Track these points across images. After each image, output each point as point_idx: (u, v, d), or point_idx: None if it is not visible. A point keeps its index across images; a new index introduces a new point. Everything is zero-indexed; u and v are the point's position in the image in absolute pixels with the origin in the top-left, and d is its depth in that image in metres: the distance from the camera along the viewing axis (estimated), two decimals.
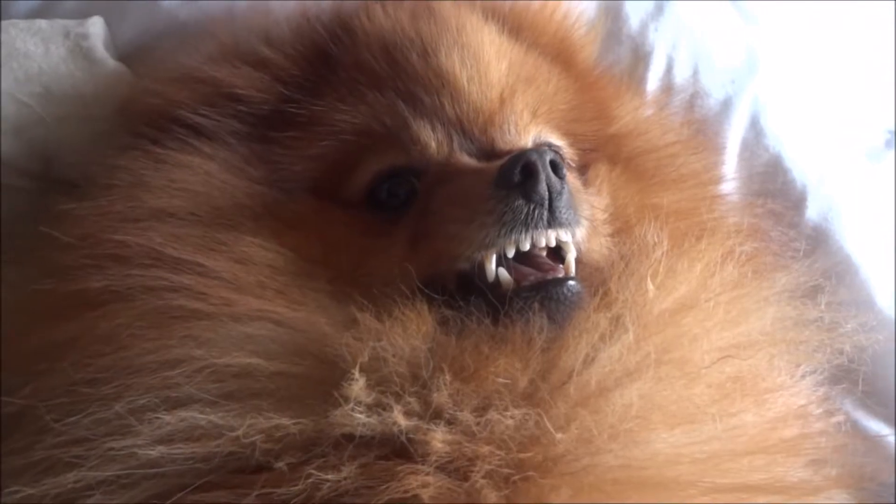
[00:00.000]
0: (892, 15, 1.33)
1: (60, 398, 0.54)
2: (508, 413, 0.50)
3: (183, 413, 0.50)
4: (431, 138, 0.64)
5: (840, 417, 0.75)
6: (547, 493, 0.49)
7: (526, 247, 0.57)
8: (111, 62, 0.75)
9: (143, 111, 0.68)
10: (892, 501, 0.81)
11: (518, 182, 0.57)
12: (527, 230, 0.57)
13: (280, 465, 0.49)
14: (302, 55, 0.71)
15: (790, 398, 0.61)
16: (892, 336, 0.85)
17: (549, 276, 0.57)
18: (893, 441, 0.85)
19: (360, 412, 0.50)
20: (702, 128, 0.89)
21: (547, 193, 0.57)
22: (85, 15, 0.77)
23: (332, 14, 0.75)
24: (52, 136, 0.71)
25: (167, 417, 0.50)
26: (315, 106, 0.67)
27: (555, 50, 0.77)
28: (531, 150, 0.59)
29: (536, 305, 0.55)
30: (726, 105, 0.91)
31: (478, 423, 0.50)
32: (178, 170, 0.64)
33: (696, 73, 0.92)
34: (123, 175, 0.64)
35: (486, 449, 0.49)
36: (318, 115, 0.66)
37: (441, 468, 0.49)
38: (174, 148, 0.65)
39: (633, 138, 0.77)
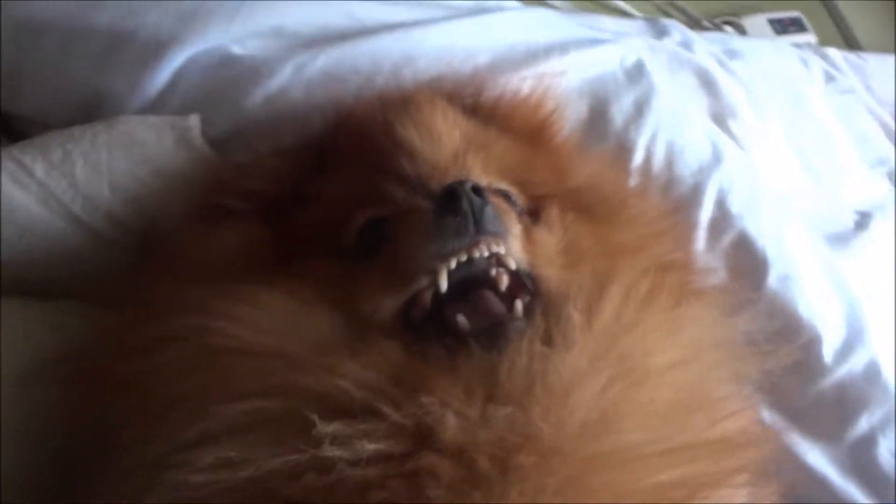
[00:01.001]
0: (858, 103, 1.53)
1: (125, 431, 0.67)
2: (497, 412, 0.62)
3: (217, 448, 0.62)
4: (397, 192, 0.80)
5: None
6: (542, 480, 0.60)
7: (463, 257, 0.71)
8: (207, 149, 0.94)
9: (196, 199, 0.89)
10: None
11: (445, 203, 0.71)
12: (458, 238, 0.71)
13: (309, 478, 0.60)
14: (300, 155, 0.90)
15: (735, 407, 0.74)
16: (838, 386, 1.00)
17: (499, 319, 0.70)
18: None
19: (335, 446, 0.61)
20: (677, 207, 1.08)
21: (470, 208, 0.71)
22: (186, 112, 0.97)
23: (331, 116, 0.95)
24: (159, 205, 0.89)
25: (206, 452, 0.62)
26: (311, 187, 0.85)
27: (525, 129, 0.94)
28: (455, 181, 0.74)
29: (487, 340, 0.67)
30: (696, 189, 1.10)
31: (480, 418, 0.62)
32: (214, 241, 0.82)
33: (669, 163, 1.11)
34: (174, 244, 0.83)
35: (486, 440, 0.61)
36: (314, 193, 0.84)
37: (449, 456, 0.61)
38: (213, 225, 0.84)
39: (587, 192, 0.92)
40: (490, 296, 0.72)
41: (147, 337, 0.72)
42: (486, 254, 0.72)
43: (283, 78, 1.02)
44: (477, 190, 0.72)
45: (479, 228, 0.71)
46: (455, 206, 0.71)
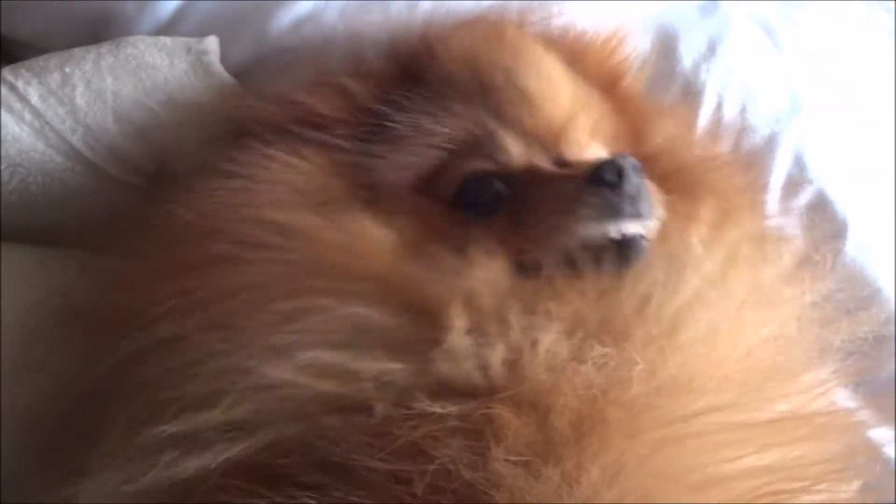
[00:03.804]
0: None
1: (175, 351, 0.58)
2: (593, 351, 0.55)
3: (311, 353, 0.55)
4: (514, 146, 0.72)
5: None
6: (625, 445, 0.52)
7: (617, 236, 0.65)
8: (226, 76, 0.82)
9: (253, 120, 0.76)
10: None
11: (612, 181, 0.65)
12: (616, 220, 0.65)
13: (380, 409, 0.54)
14: (386, 79, 0.79)
15: (822, 383, 0.67)
16: None
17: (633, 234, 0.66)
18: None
19: (460, 349, 0.55)
20: (750, 159, 0.97)
21: (634, 190, 0.65)
22: (202, 36, 0.86)
23: (416, 38, 0.83)
24: (171, 139, 0.79)
25: (301, 355, 0.55)
26: (402, 120, 0.74)
27: (601, 79, 0.85)
28: (619, 155, 0.68)
29: (614, 251, 0.64)
30: (771, 141, 0.98)
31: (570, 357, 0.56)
32: (283, 168, 0.71)
33: (743, 111, 0.98)
34: (240, 167, 0.71)
35: (571, 383, 0.54)
36: (408, 127, 0.74)
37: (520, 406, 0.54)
38: (281, 150, 0.72)
39: (664, 158, 0.83)
40: None
41: (208, 257, 0.63)
42: (639, 236, 0.67)
43: None
44: (636, 169, 0.66)
45: (634, 210, 0.66)
46: (622, 186, 0.65)
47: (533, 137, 0.73)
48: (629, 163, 0.66)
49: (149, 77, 0.79)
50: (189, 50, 0.81)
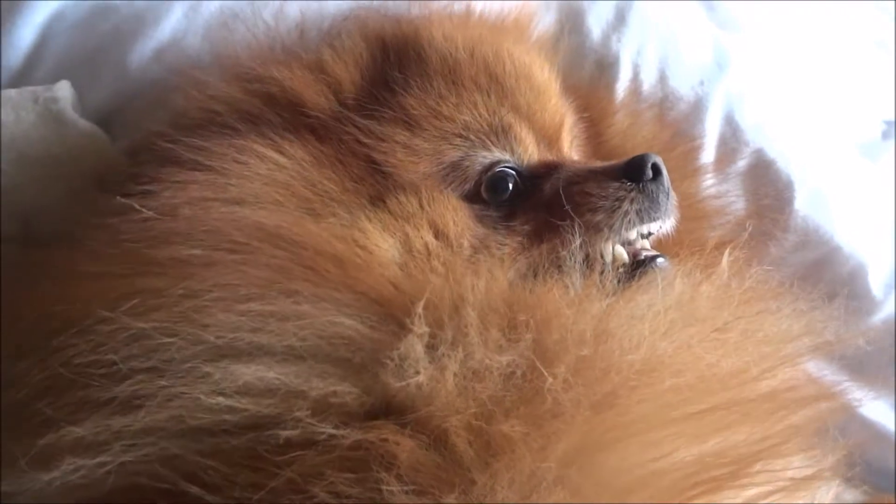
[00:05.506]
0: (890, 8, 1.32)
1: (127, 345, 0.52)
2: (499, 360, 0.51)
3: (254, 367, 0.50)
4: (531, 141, 0.71)
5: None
6: (538, 458, 0.48)
7: (652, 231, 0.67)
8: (81, 122, 0.76)
9: (217, 105, 0.69)
10: (892, 487, 0.80)
11: (649, 177, 0.66)
12: (655, 217, 0.67)
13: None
14: (363, 58, 0.73)
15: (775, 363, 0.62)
16: (890, 322, 0.85)
17: (654, 253, 0.68)
18: (893, 427, 0.83)
19: (411, 358, 0.51)
20: (677, 129, 0.90)
21: (668, 186, 0.67)
22: (57, 81, 0.79)
23: (399, 21, 0.78)
24: (28, 199, 0.72)
25: (242, 369, 0.50)
26: (415, 103, 0.69)
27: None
28: (650, 154, 0.68)
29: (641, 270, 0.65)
30: (697, 106, 0.91)
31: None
32: (259, 162, 0.64)
33: (663, 77, 0.92)
34: (209, 159, 0.63)
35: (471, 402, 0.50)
36: (424, 109, 0.69)
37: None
38: (255, 141, 0.65)
39: (619, 156, 0.79)
40: None
41: (169, 258, 0.56)
42: (665, 230, 0.70)
43: (173, 23, 0.83)
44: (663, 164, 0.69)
45: (669, 206, 0.69)
46: (661, 182, 0.67)
47: (540, 133, 0.73)
48: (660, 159, 0.67)
49: None
50: (37, 100, 0.75)
